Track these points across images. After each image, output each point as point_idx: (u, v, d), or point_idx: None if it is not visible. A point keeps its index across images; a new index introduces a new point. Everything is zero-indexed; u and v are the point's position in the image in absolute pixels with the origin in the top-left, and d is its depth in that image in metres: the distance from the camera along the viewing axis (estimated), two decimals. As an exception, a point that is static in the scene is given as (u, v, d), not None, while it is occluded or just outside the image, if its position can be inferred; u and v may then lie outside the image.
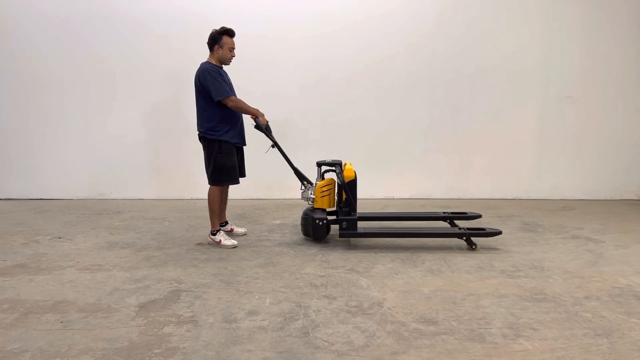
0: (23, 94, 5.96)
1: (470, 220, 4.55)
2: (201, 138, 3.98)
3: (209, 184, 4.02)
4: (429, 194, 6.24)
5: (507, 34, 5.91)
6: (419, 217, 4.56)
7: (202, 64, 3.90)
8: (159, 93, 5.95)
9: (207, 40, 3.91)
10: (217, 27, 3.91)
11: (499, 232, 3.96)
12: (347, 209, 3.96)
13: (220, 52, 3.90)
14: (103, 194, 6.15)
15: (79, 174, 6.10)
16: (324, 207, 4.07)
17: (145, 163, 6.09)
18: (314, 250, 3.93)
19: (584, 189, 6.17)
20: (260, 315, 2.71)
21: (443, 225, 4.44)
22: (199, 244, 4.13)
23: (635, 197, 6.20)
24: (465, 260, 3.64)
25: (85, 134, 6.02)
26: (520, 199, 6.17)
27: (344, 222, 3.91)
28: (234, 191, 5.93)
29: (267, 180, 6.01)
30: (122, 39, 5.82)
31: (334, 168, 4.03)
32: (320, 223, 3.99)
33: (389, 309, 2.78)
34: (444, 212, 4.60)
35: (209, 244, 4.10)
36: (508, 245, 4.06)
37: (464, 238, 3.91)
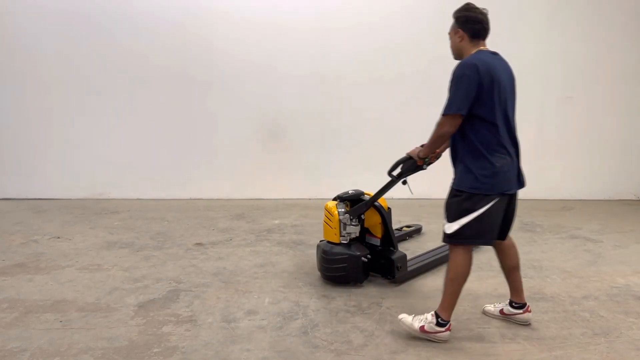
0: (22, 94, 5.94)
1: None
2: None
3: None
4: (429, 194, 6.23)
5: (507, 34, 5.90)
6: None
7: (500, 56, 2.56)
8: (158, 93, 5.93)
9: (460, 25, 2.57)
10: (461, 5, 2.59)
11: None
12: (386, 247, 3.22)
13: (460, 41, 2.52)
14: (102, 194, 6.14)
15: (77, 173, 6.08)
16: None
17: (143, 163, 6.08)
18: (313, 250, 3.93)
19: (583, 189, 6.17)
20: (259, 314, 2.71)
21: None
22: (197, 243, 4.13)
23: (634, 198, 6.21)
24: (464, 260, 3.64)
25: (84, 134, 6.01)
26: (519, 199, 6.14)
27: (399, 264, 3.12)
28: (233, 190, 6.01)
29: (266, 180, 6.01)
30: (122, 38, 5.81)
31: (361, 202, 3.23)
32: (366, 260, 3.11)
33: (387, 308, 2.79)
34: None
35: (414, 330, 2.41)
36: (507, 245, 4.06)
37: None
